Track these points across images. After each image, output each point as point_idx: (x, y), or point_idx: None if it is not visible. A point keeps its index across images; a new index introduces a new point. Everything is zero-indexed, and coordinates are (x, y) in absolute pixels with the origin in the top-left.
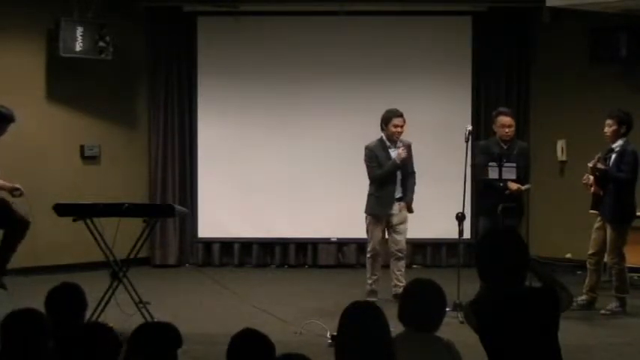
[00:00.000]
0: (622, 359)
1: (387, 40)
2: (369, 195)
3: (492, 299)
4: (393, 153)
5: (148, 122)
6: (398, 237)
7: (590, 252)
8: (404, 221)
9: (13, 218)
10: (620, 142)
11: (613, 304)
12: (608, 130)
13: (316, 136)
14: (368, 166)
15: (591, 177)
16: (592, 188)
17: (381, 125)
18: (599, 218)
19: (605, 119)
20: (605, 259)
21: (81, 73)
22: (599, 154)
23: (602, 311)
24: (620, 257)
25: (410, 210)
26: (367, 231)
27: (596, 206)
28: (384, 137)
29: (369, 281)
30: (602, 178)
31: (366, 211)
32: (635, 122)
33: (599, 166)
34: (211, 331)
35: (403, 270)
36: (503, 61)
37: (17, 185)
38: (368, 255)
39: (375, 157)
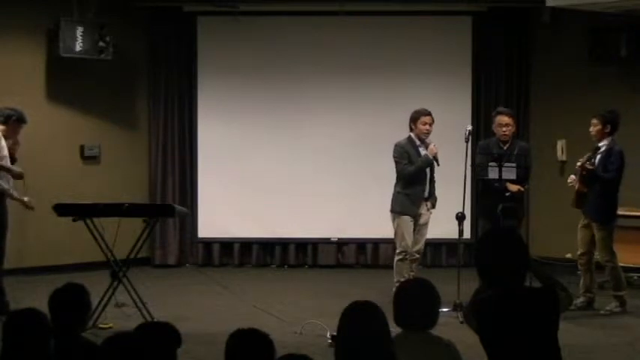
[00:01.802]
0: (622, 359)
1: (387, 40)
2: (397, 193)
3: (492, 299)
4: (423, 152)
5: (148, 122)
6: (420, 238)
7: (579, 252)
8: (428, 222)
9: None
10: (605, 142)
11: (612, 304)
12: (593, 129)
13: (316, 135)
14: (398, 163)
15: (573, 176)
16: (576, 185)
17: (410, 125)
18: (583, 217)
19: (592, 119)
20: (598, 258)
21: (81, 73)
22: (589, 154)
23: (602, 312)
24: (612, 255)
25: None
26: (396, 231)
27: (579, 204)
28: (413, 136)
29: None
30: (588, 177)
31: (394, 211)
32: (635, 122)
33: (588, 165)
34: (211, 331)
35: (416, 271)
36: (503, 61)
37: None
38: (398, 257)
39: (406, 154)
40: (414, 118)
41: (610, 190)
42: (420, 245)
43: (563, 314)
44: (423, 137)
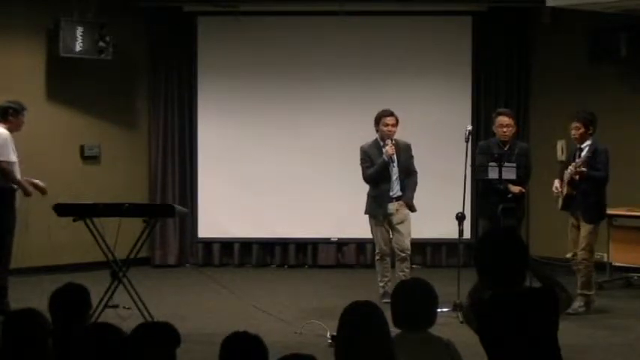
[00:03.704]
0: (621, 359)
1: (386, 40)
2: (367, 195)
3: (492, 299)
4: None
5: (148, 122)
6: (400, 237)
7: (571, 254)
8: (404, 220)
9: None
10: (588, 142)
11: (577, 304)
12: (576, 132)
13: (316, 135)
14: (361, 167)
15: (558, 180)
16: (565, 189)
17: (375, 126)
18: (571, 218)
19: (572, 122)
20: (578, 255)
21: (81, 73)
22: (585, 156)
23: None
24: (591, 255)
25: (412, 209)
26: (372, 232)
27: (567, 206)
28: (378, 138)
29: (381, 284)
30: (580, 179)
31: (365, 212)
32: (636, 122)
33: (583, 168)
34: (211, 331)
35: (407, 270)
36: (503, 61)
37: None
38: (376, 257)
39: (367, 157)
40: (377, 119)
41: (599, 188)
42: (405, 244)
43: (563, 314)
44: (386, 138)
